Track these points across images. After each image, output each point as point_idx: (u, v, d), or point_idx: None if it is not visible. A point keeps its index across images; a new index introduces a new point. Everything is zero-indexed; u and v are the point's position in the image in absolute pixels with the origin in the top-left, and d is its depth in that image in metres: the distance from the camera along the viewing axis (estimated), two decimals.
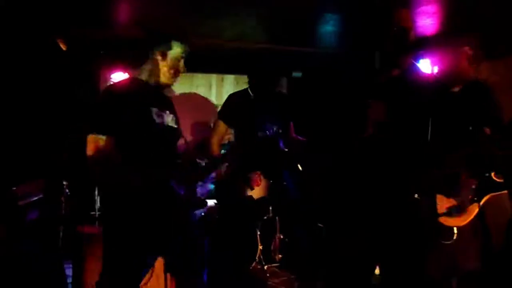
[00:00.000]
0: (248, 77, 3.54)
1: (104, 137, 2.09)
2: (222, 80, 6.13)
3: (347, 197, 2.60)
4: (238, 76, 5.95)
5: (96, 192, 4.47)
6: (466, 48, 2.38)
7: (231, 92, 3.72)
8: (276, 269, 3.53)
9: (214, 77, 6.09)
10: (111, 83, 2.35)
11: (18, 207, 3.06)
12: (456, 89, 2.44)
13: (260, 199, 3.49)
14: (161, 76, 2.28)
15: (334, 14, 3.98)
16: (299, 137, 3.62)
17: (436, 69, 4.00)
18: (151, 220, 2.14)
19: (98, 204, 4.48)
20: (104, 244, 2.20)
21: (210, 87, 6.09)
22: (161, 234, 2.19)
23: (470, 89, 2.41)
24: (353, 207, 2.52)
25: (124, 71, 4.77)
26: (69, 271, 3.19)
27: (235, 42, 4.73)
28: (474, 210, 2.28)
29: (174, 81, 2.36)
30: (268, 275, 3.45)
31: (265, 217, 3.59)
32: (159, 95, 2.32)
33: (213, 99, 6.07)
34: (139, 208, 2.11)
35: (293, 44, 4.83)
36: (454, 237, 2.23)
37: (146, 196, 2.12)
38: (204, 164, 2.56)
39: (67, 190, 3.52)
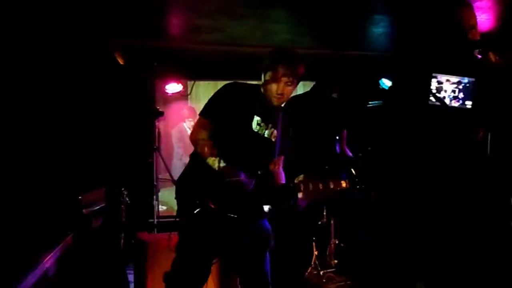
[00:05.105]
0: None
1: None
2: None
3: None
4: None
5: (155, 199, 4.59)
6: None
7: None
8: (332, 274, 3.51)
9: None
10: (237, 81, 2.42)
11: (83, 216, 3.23)
12: None
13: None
14: (267, 94, 2.29)
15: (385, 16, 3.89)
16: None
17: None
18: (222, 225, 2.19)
19: (157, 211, 4.60)
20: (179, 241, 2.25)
21: None
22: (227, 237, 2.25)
23: None
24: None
25: (178, 82, 4.89)
26: (131, 277, 3.33)
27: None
28: None
29: (279, 102, 2.32)
30: (324, 280, 3.44)
31: (320, 222, 3.58)
32: (269, 108, 2.33)
33: None
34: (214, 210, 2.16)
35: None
36: None
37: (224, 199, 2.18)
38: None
39: (127, 199, 3.66)
